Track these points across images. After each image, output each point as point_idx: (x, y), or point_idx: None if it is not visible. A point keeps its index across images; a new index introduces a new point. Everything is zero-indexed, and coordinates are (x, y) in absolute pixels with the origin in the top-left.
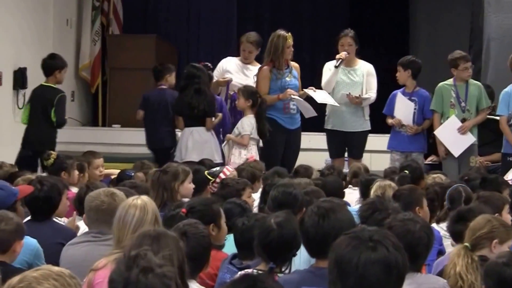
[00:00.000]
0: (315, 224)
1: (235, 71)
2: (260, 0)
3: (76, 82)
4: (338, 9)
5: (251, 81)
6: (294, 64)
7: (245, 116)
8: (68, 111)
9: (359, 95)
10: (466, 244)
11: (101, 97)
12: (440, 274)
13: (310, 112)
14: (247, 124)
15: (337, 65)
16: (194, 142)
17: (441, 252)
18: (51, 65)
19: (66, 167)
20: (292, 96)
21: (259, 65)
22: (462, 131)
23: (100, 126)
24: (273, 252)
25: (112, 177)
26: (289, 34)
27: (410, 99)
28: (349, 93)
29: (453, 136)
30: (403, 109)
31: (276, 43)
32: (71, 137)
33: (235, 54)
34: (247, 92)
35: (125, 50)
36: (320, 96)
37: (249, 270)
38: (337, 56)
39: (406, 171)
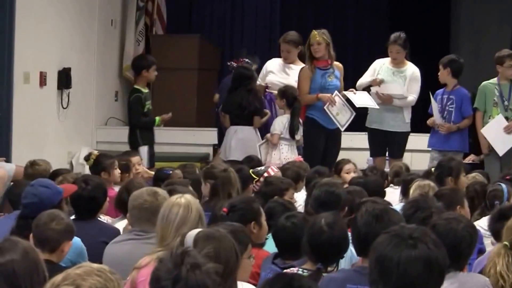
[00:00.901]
0: (368, 224)
1: (277, 71)
2: (303, 0)
3: (119, 82)
4: (379, 8)
5: (292, 80)
6: (337, 64)
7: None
8: (112, 111)
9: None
10: (506, 243)
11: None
12: (481, 273)
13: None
14: (278, 123)
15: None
16: (238, 141)
17: (481, 251)
18: (137, 65)
19: (105, 167)
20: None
21: (302, 64)
22: (507, 130)
23: None
24: (323, 253)
25: (146, 175)
26: (318, 31)
27: (448, 98)
28: (376, 91)
29: (498, 135)
30: (434, 108)
31: (307, 42)
32: (115, 137)
33: (279, 54)
34: (282, 91)
35: (168, 50)
36: (360, 99)
37: (295, 269)
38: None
39: (433, 168)
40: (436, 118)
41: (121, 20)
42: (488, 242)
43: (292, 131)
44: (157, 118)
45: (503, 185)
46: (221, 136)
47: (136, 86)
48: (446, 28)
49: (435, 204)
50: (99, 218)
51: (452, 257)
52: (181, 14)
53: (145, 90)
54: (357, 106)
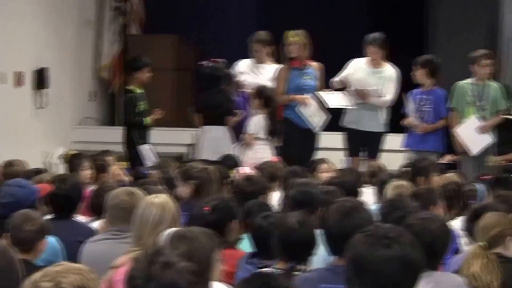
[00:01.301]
0: (338, 222)
1: (248, 71)
2: (281, 0)
3: (95, 82)
4: (356, 9)
5: (263, 80)
6: (316, 64)
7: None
8: (87, 111)
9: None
10: (483, 243)
11: (121, 97)
12: (456, 272)
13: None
14: (253, 123)
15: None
16: (209, 141)
17: (456, 251)
18: (128, 66)
19: (73, 168)
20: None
21: (273, 64)
22: (481, 131)
23: (118, 126)
24: (294, 251)
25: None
26: (293, 32)
27: (425, 98)
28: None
29: (472, 135)
30: (411, 109)
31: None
32: (90, 136)
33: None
34: (258, 91)
35: (145, 50)
36: (333, 100)
37: (268, 269)
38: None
39: (407, 168)
40: (412, 118)
41: (96, 20)
42: (463, 242)
43: (274, 131)
44: (147, 119)
45: (478, 185)
46: None
47: (128, 87)
48: (423, 28)
49: (411, 204)
50: (75, 218)
51: (427, 257)
52: (158, 14)
53: (139, 91)
54: (328, 107)
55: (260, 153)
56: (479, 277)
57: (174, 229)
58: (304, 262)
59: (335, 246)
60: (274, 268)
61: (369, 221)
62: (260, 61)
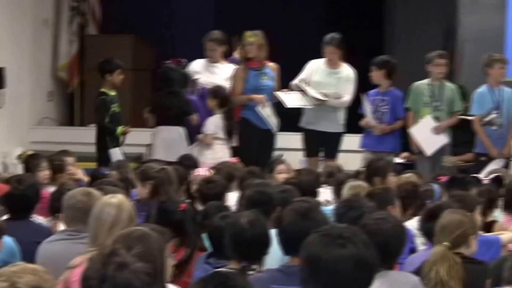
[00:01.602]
0: (294, 222)
1: (202, 70)
2: (237, 0)
3: (53, 82)
4: (313, 9)
5: (218, 79)
6: (272, 65)
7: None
8: (45, 111)
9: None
10: (447, 243)
11: (79, 97)
12: (415, 272)
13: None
14: (212, 123)
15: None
16: (162, 141)
17: (412, 251)
18: (101, 69)
19: (30, 168)
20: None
21: (227, 63)
22: (436, 131)
23: (77, 126)
24: (247, 251)
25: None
26: (251, 32)
27: (382, 99)
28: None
29: (427, 136)
30: (368, 110)
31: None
32: (49, 136)
33: None
34: (213, 91)
35: (102, 50)
36: (290, 100)
37: (223, 269)
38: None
39: (362, 168)
40: (370, 119)
41: (54, 20)
42: (419, 241)
43: (230, 131)
44: (119, 128)
45: (435, 185)
46: None
47: (102, 89)
48: (380, 28)
49: (367, 204)
50: (32, 219)
51: (381, 257)
52: (115, 14)
53: (112, 93)
54: (287, 107)
55: (219, 153)
56: (446, 284)
57: (127, 229)
58: (257, 262)
59: (290, 246)
60: (227, 268)
61: (325, 222)
62: (214, 60)
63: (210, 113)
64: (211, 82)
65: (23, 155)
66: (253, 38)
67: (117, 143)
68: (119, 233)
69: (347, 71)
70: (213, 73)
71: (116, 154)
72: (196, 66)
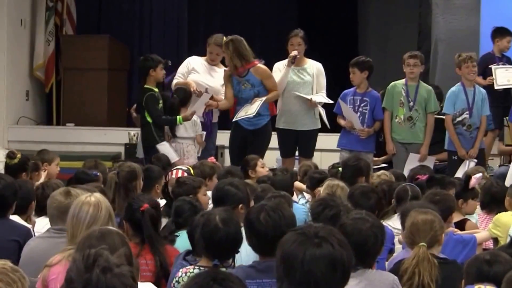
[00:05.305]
0: (264, 221)
1: (202, 72)
2: (210, 1)
3: (30, 82)
4: (286, 9)
5: (217, 83)
6: (256, 69)
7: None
8: (23, 110)
9: (310, 98)
10: (423, 244)
11: (55, 96)
12: (393, 272)
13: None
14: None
15: (292, 61)
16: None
17: (390, 250)
18: (143, 66)
19: (27, 169)
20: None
21: (224, 67)
22: (422, 160)
23: (54, 125)
24: (220, 249)
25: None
26: (217, 36)
27: (361, 99)
28: (311, 98)
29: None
30: (350, 116)
31: None
32: (26, 136)
33: (187, 54)
34: (174, 91)
35: (78, 50)
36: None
37: (190, 268)
38: (291, 54)
39: (339, 168)
40: (355, 123)
41: (30, 20)
42: (396, 240)
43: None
44: (179, 117)
45: (410, 185)
46: None
47: (146, 86)
48: (354, 29)
49: (343, 203)
50: (10, 218)
51: (359, 256)
52: (91, 14)
53: (155, 89)
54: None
55: (190, 152)
56: (428, 286)
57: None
58: (228, 260)
59: (261, 244)
60: (197, 266)
61: (292, 220)
62: (215, 63)
63: (209, 113)
64: (208, 85)
65: (15, 155)
66: (223, 47)
67: (164, 138)
68: (83, 236)
69: (315, 65)
70: (212, 76)
71: (166, 149)
72: (196, 65)
